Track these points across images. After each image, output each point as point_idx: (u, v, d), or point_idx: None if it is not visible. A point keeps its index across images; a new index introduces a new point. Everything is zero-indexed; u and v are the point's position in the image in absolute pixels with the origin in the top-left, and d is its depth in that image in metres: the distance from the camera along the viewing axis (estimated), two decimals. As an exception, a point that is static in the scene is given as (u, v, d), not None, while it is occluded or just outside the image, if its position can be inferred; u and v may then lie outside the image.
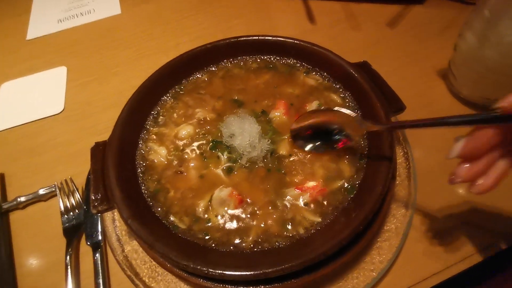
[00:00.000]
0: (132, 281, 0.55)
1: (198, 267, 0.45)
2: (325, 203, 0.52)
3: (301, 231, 0.50)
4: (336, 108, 0.55)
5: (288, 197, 0.53)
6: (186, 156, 0.60)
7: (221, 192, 0.54)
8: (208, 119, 0.64)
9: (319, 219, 0.51)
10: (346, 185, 0.54)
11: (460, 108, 0.75)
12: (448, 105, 0.75)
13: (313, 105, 0.63)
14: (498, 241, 0.57)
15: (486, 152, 0.39)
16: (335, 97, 0.65)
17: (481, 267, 0.56)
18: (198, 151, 0.60)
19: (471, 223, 0.59)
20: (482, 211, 0.60)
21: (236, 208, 0.53)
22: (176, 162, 0.59)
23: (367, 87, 0.60)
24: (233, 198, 0.53)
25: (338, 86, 0.66)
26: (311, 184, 0.54)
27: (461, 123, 0.39)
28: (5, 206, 0.68)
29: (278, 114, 0.62)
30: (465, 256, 0.56)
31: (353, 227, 0.46)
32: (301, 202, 0.53)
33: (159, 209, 0.55)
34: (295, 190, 0.53)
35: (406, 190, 0.61)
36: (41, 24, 1.11)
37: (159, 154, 0.60)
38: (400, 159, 0.64)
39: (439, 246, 0.57)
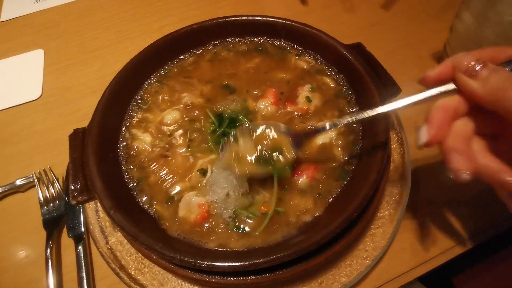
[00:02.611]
0: (117, 274, 0.53)
1: (185, 259, 0.42)
2: (318, 189, 0.50)
3: (293, 219, 0.48)
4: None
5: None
6: (174, 142, 0.56)
7: (192, 198, 0.50)
8: (197, 103, 0.61)
9: (311, 207, 0.49)
10: (338, 167, 0.52)
11: (455, 92, 0.73)
12: (443, 89, 0.74)
13: (305, 89, 0.61)
14: (493, 225, 0.56)
15: (451, 124, 0.39)
16: (328, 80, 0.62)
17: (475, 251, 0.56)
18: (184, 138, 0.57)
19: (464, 209, 0.58)
20: (477, 197, 0.59)
21: (196, 220, 0.49)
22: (161, 146, 0.56)
23: (361, 69, 0.57)
24: (200, 210, 0.49)
25: (331, 69, 0.63)
26: (304, 166, 0.52)
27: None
28: (-21, 198, 0.64)
29: (266, 104, 0.59)
30: (457, 242, 0.56)
31: (347, 214, 0.44)
32: (299, 184, 0.51)
33: (144, 198, 0.52)
34: (293, 177, 0.51)
35: (400, 177, 0.60)
36: (15, 4, 1.03)
37: (143, 141, 0.57)
38: (394, 145, 0.62)
39: (432, 233, 0.57)
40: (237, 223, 0.49)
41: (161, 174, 0.54)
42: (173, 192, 0.52)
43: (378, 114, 0.46)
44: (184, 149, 0.55)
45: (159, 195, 0.52)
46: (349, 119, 0.46)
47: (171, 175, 0.53)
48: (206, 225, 0.49)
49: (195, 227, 0.49)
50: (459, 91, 0.39)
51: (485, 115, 0.39)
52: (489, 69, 0.36)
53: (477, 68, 0.36)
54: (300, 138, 0.49)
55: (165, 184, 0.53)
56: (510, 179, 0.35)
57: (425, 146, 0.39)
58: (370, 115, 0.45)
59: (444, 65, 0.40)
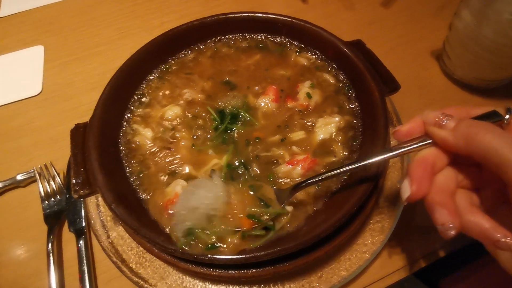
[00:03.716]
0: (119, 268, 0.53)
1: (187, 252, 0.43)
2: (317, 183, 0.51)
3: (294, 213, 0.49)
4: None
5: (280, 175, 0.51)
6: (177, 135, 0.57)
7: (180, 183, 0.50)
8: (198, 99, 0.61)
9: (311, 201, 0.50)
10: (338, 162, 0.52)
11: (454, 89, 0.74)
12: (442, 86, 0.75)
13: (305, 85, 0.61)
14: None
15: (432, 177, 0.39)
16: (328, 77, 0.63)
17: (462, 254, 0.56)
18: (187, 132, 0.57)
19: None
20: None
21: (164, 203, 0.49)
22: (165, 139, 0.56)
23: (361, 66, 0.58)
24: (172, 197, 0.48)
25: (331, 66, 0.64)
26: (301, 157, 0.52)
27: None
28: (-20, 192, 0.64)
29: (267, 101, 0.59)
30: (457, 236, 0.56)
31: (347, 209, 0.45)
32: (294, 176, 0.51)
33: (144, 192, 0.52)
34: (287, 166, 0.51)
35: (399, 171, 0.60)
36: (15, 0, 1.03)
37: (144, 136, 0.57)
38: (393, 141, 0.63)
39: (431, 228, 0.57)
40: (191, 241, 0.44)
41: (162, 166, 0.54)
42: (171, 182, 0.52)
43: (377, 109, 0.46)
44: (186, 142, 0.56)
45: (158, 186, 0.52)
46: (333, 172, 0.44)
47: (172, 167, 0.54)
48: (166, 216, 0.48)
49: (163, 210, 0.49)
50: (435, 143, 0.39)
51: (464, 168, 0.40)
52: (455, 120, 0.38)
53: (444, 121, 0.38)
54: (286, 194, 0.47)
55: (164, 176, 0.53)
56: (499, 235, 0.34)
57: (409, 201, 0.38)
58: (350, 168, 0.43)
59: (414, 121, 0.41)
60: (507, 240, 0.34)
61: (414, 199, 0.38)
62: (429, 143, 0.40)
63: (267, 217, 0.46)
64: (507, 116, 0.37)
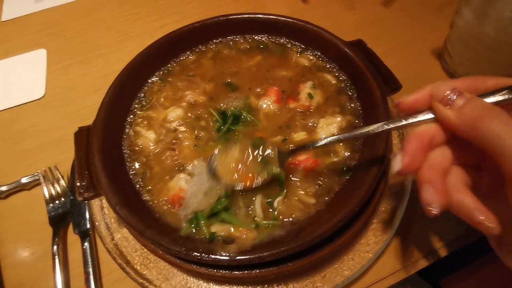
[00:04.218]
0: (123, 269, 0.53)
1: (191, 253, 0.43)
2: (320, 183, 0.51)
3: (297, 214, 0.49)
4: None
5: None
6: (180, 136, 0.57)
7: (181, 177, 0.51)
8: (200, 101, 0.61)
9: (314, 201, 0.50)
10: (340, 162, 0.52)
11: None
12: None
13: (306, 86, 0.61)
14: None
15: (427, 153, 0.38)
16: (329, 77, 0.63)
17: (463, 254, 0.56)
18: (190, 133, 0.57)
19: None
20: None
21: (169, 198, 0.50)
22: (167, 140, 0.57)
23: (362, 66, 0.58)
24: (177, 192, 0.50)
25: (332, 66, 0.64)
26: (303, 157, 0.52)
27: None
28: (-15, 196, 0.65)
29: (268, 102, 0.60)
30: (458, 235, 0.56)
31: (350, 209, 0.45)
32: (294, 178, 0.51)
33: (149, 193, 0.52)
34: (289, 166, 0.51)
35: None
36: (17, 4, 1.04)
37: (147, 138, 0.57)
38: (395, 140, 0.63)
39: (434, 227, 0.57)
40: (193, 229, 0.47)
41: (165, 167, 0.54)
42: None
43: (379, 108, 0.46)
44: (189, 142, 0.56)
45: (162, 187, 0.53)
46: (327, 140, 0.46)
47: (176, 168, 0.54)
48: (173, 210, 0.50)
49: (170, 205, 0.50)
50: (437, 120, 0.38)
51: (466, 144, 0.38)
52: (464, 98, 0.35)
53: (453, 97, 0.36)
54: (285, 156, 0.49)
55: (168, 177, 0.53)
56: (482, 218, 0.34)
57: (399, 174, 0.38)
58: (344, 138, 0.45)
59: (421, 93, 0.39)
60: (487, 223, 0.34)
61: (404, 173, 0.37)
62: (431, 119, 0.38)
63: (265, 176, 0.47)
64: None
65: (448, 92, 0.36)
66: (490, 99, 0.36)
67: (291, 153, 0.49)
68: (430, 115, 0.38)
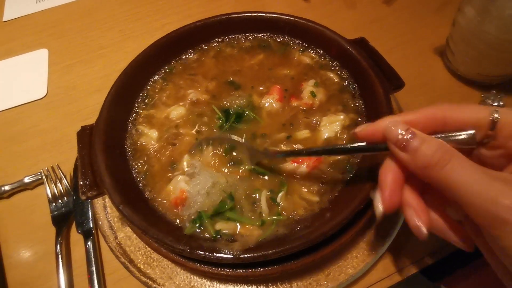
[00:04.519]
0: (127, 268, 0.53)
1: (195, 252, 0.43)
2: (323, 181, 0.51)
3: (301, 212, 0.49)
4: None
5: (285, 173, 0.52)
6: (182, 131, 0.57)
7: (179, 179, 0.51)
8: (202, 100, 0.61)
9: (318, 199, 0.50)
10: (343, 160, 0.52)
11: (457, 85, 0.74)
12: (446, 82, 0.74)
13: (309, 84, 0.61)
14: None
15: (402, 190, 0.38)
16: (332, 75, 0.63)
17: (464, 253, 0.56)
18: (192, 129, 0.57)
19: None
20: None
21: (172, 201, 0.51)
22: (169, 136, 0.57)
23: (365, 64, 0.58)
24: (180, 195, 0.50)
25: (335, 64, 0.64)
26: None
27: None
28: (-12, 195, 0.65)
29: (271, 101, 0.60)
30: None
31: (353, 207, 0.45)
32: (297, 176, 0.51)
33: (152, 192, 0.52)
34: (292, 164, 0.52)
35: (404, 169, 0.60)
36: (18, 4, 1.04)
37: (149, 136, 0.57)
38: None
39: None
40: (196, 229, 0.47)
41: (168, 165, 0.54)
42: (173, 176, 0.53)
43: (382, 106, 0.46)
44: (189, 138, 0.56)
45: (164, 185, 0.53)
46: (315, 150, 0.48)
47: (178, 165, 0.54)
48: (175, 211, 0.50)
49: (173, 207, 0.50)
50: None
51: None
52: (418, 140, 0.34)
53: (407, 138, 0.34)
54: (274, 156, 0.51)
55: (171, 174, 0.53)
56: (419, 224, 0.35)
57: (385, 213, 0.37)
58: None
59: (375, 128, 0.38)
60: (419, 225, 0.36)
61: (388, 212, 0.37)
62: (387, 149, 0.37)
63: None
64: (496, 115, 0.34)
65: (403, 133, 0.35)
66: (449, 140, 0.35)
67: (263, 155, 0.51)
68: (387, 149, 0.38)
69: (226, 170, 0.52)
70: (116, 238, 0.56)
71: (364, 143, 0.40)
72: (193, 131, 0.57)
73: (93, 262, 0.56)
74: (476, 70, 0.70)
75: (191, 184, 0.50)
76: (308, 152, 0.47)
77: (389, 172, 0.37)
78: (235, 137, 0.52)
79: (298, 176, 0.51)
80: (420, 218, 0.36)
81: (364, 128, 0.39)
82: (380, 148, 0.39)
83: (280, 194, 0.49)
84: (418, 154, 0.34)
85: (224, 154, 0.53)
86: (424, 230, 0.35)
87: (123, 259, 0.54)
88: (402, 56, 0.79)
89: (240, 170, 0.52)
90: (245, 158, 0.52)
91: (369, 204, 0.49)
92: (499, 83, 0.71)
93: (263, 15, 0.68)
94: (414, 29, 0.85)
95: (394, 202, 0.37)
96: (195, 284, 0.52)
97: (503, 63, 0.66)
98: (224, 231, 0.47)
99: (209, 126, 0.58)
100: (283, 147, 0.55)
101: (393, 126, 0.36)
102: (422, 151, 0.34)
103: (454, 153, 0.33)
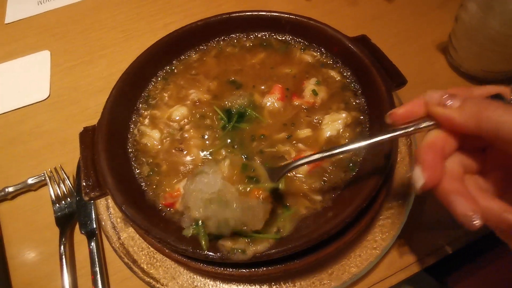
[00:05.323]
0: (130, 269, 0.54)
1: (198, 251, 0.43)
2: (325, 180, 0.51)
3: (303, 211, 0.49)
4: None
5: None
6: (186, 135, 0.57)
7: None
8: (204, 99, 0.61)
9: (320, 198, 0.50)
10: (346, 159, 0.52)
11: (461, 82, 0.73)
12: (449, 79, 0.74)
13: (311, 82, 0.61)
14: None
15: (444, 163, 0.37)
16: (333, 73, 0.63)
17: (483, 240, 0.56)
18: (196, 132, 0.57)
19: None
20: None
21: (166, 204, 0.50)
22: (174, 139, 0.57)
23: (366, 61, 0.57)
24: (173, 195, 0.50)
25: (336, 62, 0.64)
26: (308, 153, 0.52)
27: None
28: (-8, 197, 0.65)
29: (273, 100, 0.59)
30: (466, 231, 0.56)
31: (356, 205, 0.45)
32: (299, 174, 0.51)
33: (154, 192, 0.52)
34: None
35: (407, 167, 0.60)
36: (19, 6, 1.04)
37: (152, 137, 0.57)
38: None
39: (440, 223, 0.57)
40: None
41: (171, 166, 0.54)
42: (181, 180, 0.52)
43: (384, 103, 0.46)
44: (194, 141, 0.56)
45: (167, 186, 0.53)
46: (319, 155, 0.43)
47: (183, 167, 0.54)
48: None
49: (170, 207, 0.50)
50: (439, 126, 0.37)
51: (468, 152, 0.38)
52: (461, 99, 0.36)
53: (449, 101, 0.36)
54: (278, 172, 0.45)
55: (173, 175, 0.53)
56: None
57: (423, 189, 0.35)
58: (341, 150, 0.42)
59: (413, 103, 0.39)
60: None
61: (428, 187, 0.35)
62: (432, 124, 0.37)
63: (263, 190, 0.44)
64: None
65: (444, 96, 0.36)
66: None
67: (283, 169, 0.45)
68: (428, 122, 0.37)
69: (241, 188, 0.44)
70: (119, 238, 0.56)
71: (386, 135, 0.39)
72: (197, 133, 0.57)
73: (97, 263, 0.56)
74: (479, 66, 0.69)
75: (195, 179, 0.44)
76: (331, 153, 0.42)
77: (429, 148, 0.36)
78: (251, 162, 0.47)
79: (300, 175, 0.51)
80: (473, 206, 0.33)
81: (399, 108, 0.39)
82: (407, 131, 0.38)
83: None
84: (466, 106, 0.34)
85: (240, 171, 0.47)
86: (478, 221, 0.32)
87: (126, 260, 0.54)
88: (404, 52, 0.78)
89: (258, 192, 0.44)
90: (264, 177, 0.45)
91: (372, 202, 0.49)
92: (503, 79, 0.71)
93: (264, 14, 0.67)
94: (416, 26, 0.84)
95: (436, 174, 0.35)
96: (198, 284, 0.53)
97: (506, 58, 0.65)
98: (236, 247, 0.43)
99: (212, 126, 0.57)
100: (283, 146, 0.54)
101: (432, 94, 0.37)
102: (469, 103, 0.34)
103: (496, 102, 0.34)
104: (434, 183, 0.35)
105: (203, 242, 0.43)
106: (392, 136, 0.39)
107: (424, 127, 0.38)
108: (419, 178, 0.35)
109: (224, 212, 0.41)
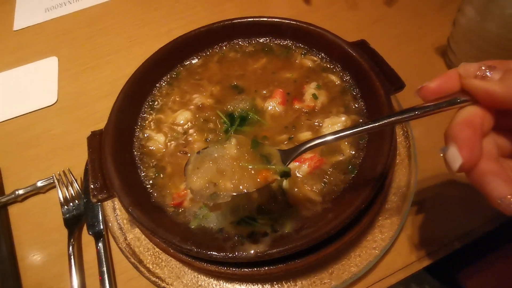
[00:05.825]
0: (137, 268, 0.55)
1: (202, 251, 0.45)
2: (326, 181, 0.52)
3: (304, 211, 0.50)
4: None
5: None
6: (190, 139, 0.59)
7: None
8: (207, 104, 0.63)
9: (320, 199, 0.51)
10: (345, 161, 0.53)
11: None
12: (447, 82, 0.75)
13: (311, 87, 0.62)
14: (497, 215, 0.57)
15: (482, 142, 0.33)
16: (333, 77, 0.64)
17: (481, 242, 0.56)
18: (199, 135, 0.59)
19: (470, 200, 0.59)
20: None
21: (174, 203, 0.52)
22: (178, 143, 0.58)
23: (366, 66, 0.59)
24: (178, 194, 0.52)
25: (336, 67, 0.65)
26: (308, 155, 0.53)
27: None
28: (3, 199, 0.67)
29: (274, 104, 0.61)
30: (464, 232, 0.57)
31: (356, 206, 0.46)
32: (299, 174, 0.52)
33: (160, 194, 0.54)
34: (294, 163, 0.52)
35: (407, 169, 0.61)
36: (28, 13, 1.07)
37: (157, 141, 0.59)
38: (400, 138, 0.64)
39: (439, 224, 0.58)
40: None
41: (176, 169, 0.56)
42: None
43: (383, 107, 0.47)
44: (199, 144, 0.57)
45: (172, 188, 0.54)
46: (334, 136, 0.41)
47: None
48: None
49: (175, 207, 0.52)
50: (474, 103, 0.33)
51: (500, 133, 0.35)
52: (501, 72, 0.32)
53: (488, 73, 0.32)
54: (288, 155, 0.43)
55: (180, 180, 0.55)
56: None
57: (460, 171, 0.32)
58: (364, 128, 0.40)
59: (446, 76, 0.35)
60: None
61: (466, 168, 0.31)
62: (467, 100, 0.33)
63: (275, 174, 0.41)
64: None
65: (482, 68, 0.33)
66: None
67: (294, 151, 0.43)
68: (462, 98, 0.33)
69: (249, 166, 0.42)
70: (125, 239, 0.58)
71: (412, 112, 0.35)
72: (201, 136, 0.59)
73: (104, 263, 0.58)
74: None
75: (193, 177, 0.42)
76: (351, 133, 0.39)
77: (467, 125, 0.32)
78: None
79: (300, 176, 0.53)
80: (510, 189, 0.30)
81: (431, 82, 0.35)
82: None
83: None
84: (507, 76, 0.31)
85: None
86: None
87: (132, 260, 0.56)
88: (403, 55, 0.80)
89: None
90: (276, 158, 0.43)
91: (371, 203, 0.50)
92: (502, 81, 0.71)
93: (266, 20, 0.69)
94: (416, 28, 0.85)
95: (475, 153, 0.32)
96: (202, 283, 0.54)
97: (505, 61, 0.66)
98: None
99: (215, 130, 0.59)
100: (285, 147, 0.55)
101: (469, 65, 0.34)
102: (511, 73, 0.31)
103: None
104: (473, 164, 0.32)
105: (215, 223, 0.46)
106: (423, 112, 0.35)
107: (459, 102, 0.34)
108: (456, 158, 0.31)
109: (220, 174, 0.41)
